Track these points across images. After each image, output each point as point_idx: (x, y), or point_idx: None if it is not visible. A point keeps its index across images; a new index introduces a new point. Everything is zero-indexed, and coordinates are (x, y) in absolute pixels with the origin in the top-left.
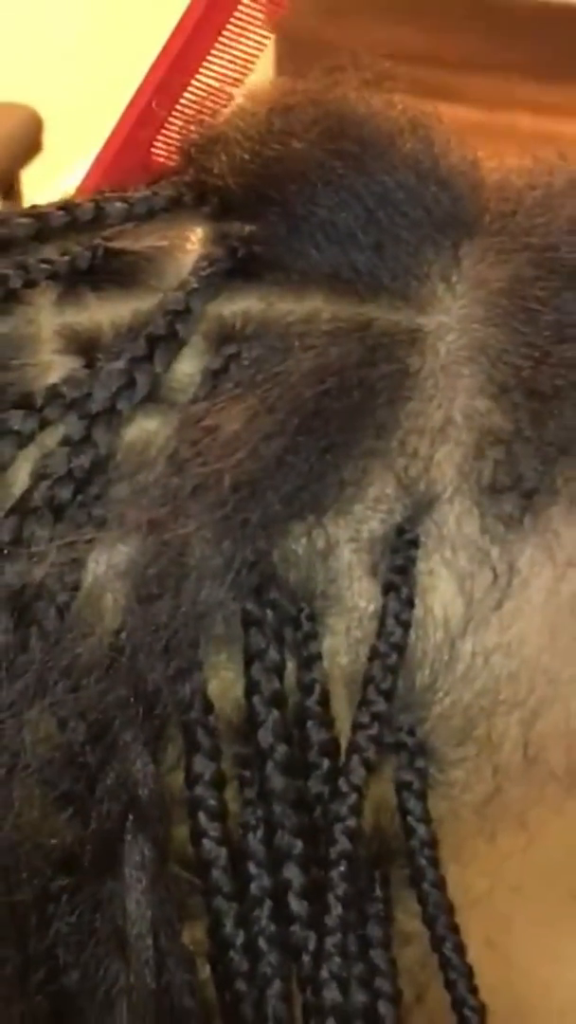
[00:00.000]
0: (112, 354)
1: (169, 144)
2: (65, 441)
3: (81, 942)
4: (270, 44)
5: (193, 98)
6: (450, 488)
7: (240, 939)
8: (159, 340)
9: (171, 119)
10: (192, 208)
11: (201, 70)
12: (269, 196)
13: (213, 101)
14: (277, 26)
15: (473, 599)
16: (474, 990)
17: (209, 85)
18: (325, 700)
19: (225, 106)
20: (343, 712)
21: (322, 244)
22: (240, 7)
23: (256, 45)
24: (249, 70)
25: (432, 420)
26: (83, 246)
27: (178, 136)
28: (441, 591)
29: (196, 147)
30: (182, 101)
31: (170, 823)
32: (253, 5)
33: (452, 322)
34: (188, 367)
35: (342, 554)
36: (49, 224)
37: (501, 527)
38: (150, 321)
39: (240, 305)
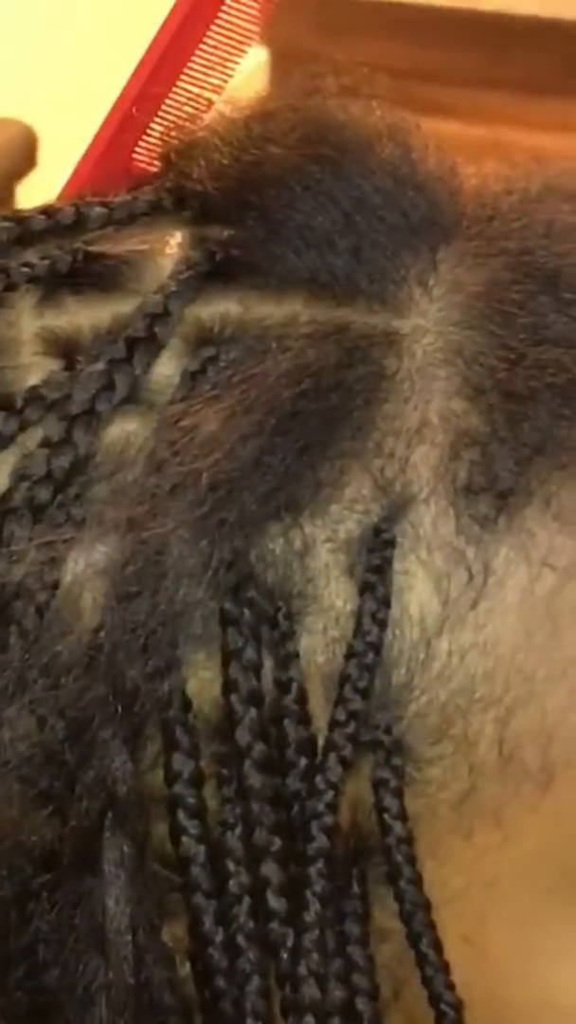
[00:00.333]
0: (91, 356)
1: (151, 149)
2: (45, 442)
3: (61, 939)
4: (264, 59)
5: (174, 104)
6: (426, 489)
7: (219, 936)
8: (138, 342)
9: (152, 125)
10: (172, 212)
11: (182, 76)
12: (248, 201)
13: (194, 107)
14: (270, 41)
15: (449, 599)
16: (451, 986)
17: (190, 91)
18: (302, 698)
19: (206, 112)
20: (320, 710)
21: (300, 248)
22: (221, 14)
23: (237, 51)
24: (230, 76)
25: (408, 421)
26: (63, 250)
27: (159, 142)
28: (417, 591)
29: (176, 152)
30: (163, 107)
31: (149, 821)
32: (235, 12)
33: (429, 325)
34: (167, 369)
35: (319, 554)
36: (30, 228)
37: (476, 527)
38: (129, 324)
39: (218, 308)
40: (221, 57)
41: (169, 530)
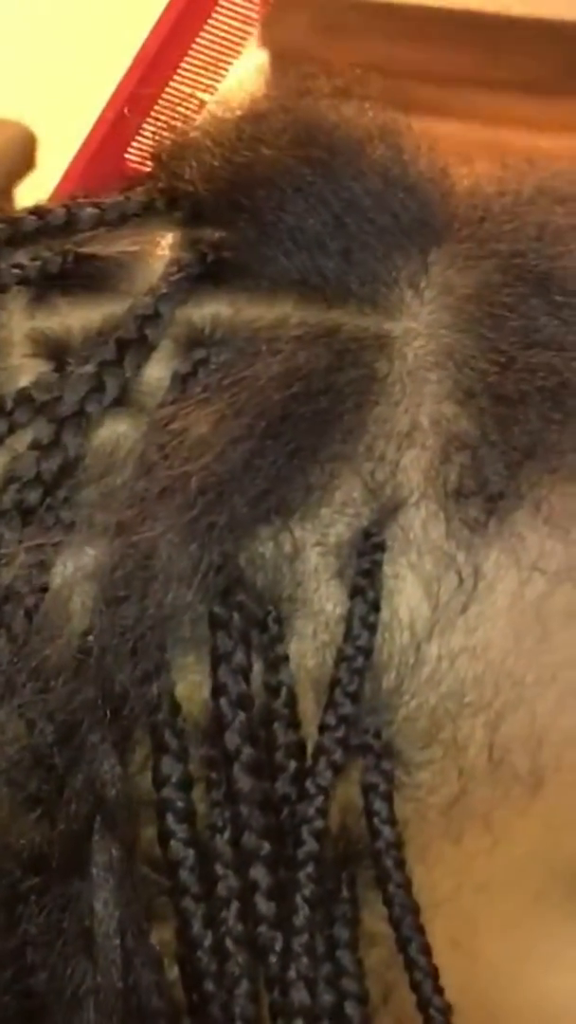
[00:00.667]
0: (82, 358)
1: (143, 150)
2: (34, 444)
3: (49, 942)
4: (263, 60)
5: (167, 105)
6: (416, 492)
7: (208, 940)
8: (128, 344)
9: (145, 125)
10: (164, 214)
11: (175, 77)
12: (239, 202)
13: (187, 108)
14: (270, 42)
15: (439, 603)
16: (440, 990)
17: (183, 92)
18: (292, 702)
19: (198, 113)
20: (310, 714)
21: (291, 250)
22: (215, 15)
23: (230, 52)
24: (223, 76)
25: (399, 425)
26: (54, 251)
27: (151, 142)
28: (407, 595)
29: (167, 153)
30: (156, 108)
31: (138, 824)
32: (227, 12)
33: (420, 328)
34: (157, 371)
35: (309, 557)
36: (21, 229)
37: (467, 531)
38: (120, 325)
39: (209, 310)
40: (214, 58)
41: (158, 534)
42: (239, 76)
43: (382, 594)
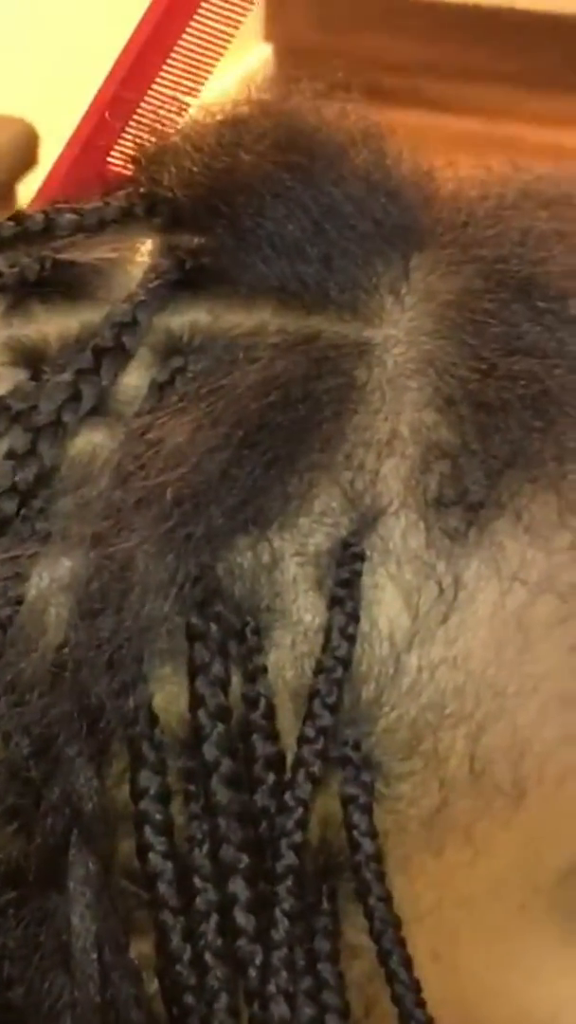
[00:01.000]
0: (58, 366)
1: (126, 153)
2: (10, 454)
3: (26, 956)
4: (268, 54)
5: (150, 107)
6: (396, 502)
7: (187, 953)
8: (106, 352)
9: (128, 128)
10: (143, 219)
11: (157, 79)
12: (217, 208)
13: (169, 110)
14: (275, 36)
15: (419, 613)
16: (422, 1004)
17: (165, 94)
18: (270, 714)
19: (181, 115)
20: (289, 726)
21: (270, 257)
22: (197, 15)
23: (214, 53)
24: (206, 78)
25: (378, 433)
26: (32, 257)
27: (133, 146)
28: (387, 605)
29: (147, 158)
30: (138, 110)
31: (115, 837)
32: (210, 13)
33: (400, 334)
34: (135, 379)
35: (287, 567)
36: None
37: (447, 541)
38: (97, 333)
39: (187, 317)
40: (197, 59)
41: (134, 545)
42: (245, 69)
43: (361, 604)
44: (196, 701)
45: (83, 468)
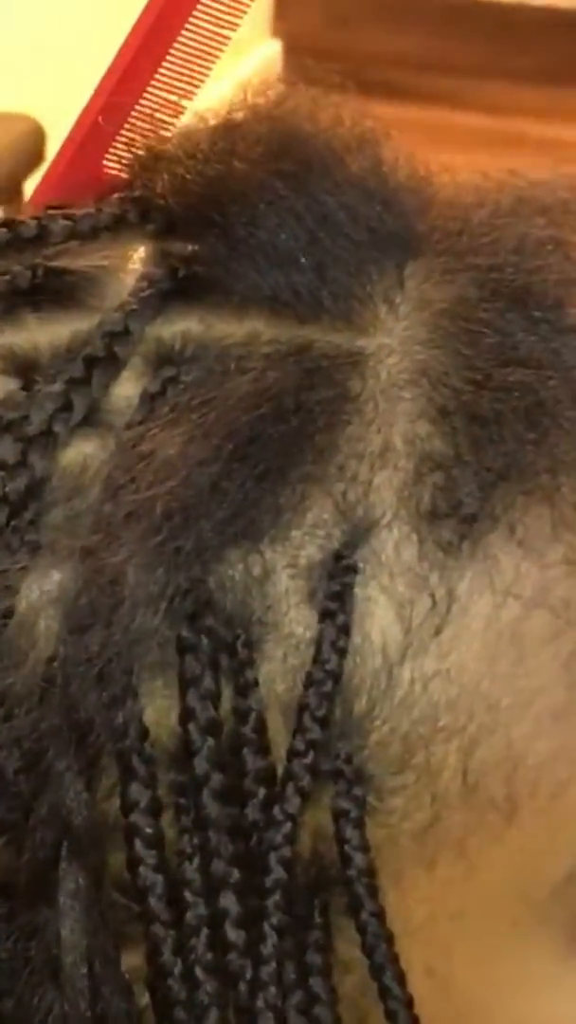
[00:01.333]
0: (50, 376)
1: (121, 158)
2: (0, 465)
3: (16, 970)
4: (277, 50)
5: (145, 111)
6: (389, 513)
7: (178, 967)
8: (97, 362)
9: (122, 132)
10: (136, 226)
11: (152, 82)
12: (210, 216)
13: (164, 114)
14: (283, 32)
15: (412, 626)
16: (414, 1019)
17: (161, 97)
18: (261, 727)
19: (176, 120)
20: (280, 739)
21: (262, 266)
22: (192, 18)
23: (209, 56)
24: (201, 82)
25: (372, 444)
26: (24, 265)
27: (128, 150)
28: (379, 617)
29: (141, 164)
30: (134, 114)
31: (105, 851)
32: (205, 16)
33: (394, 344)
34: (126, 389)
35: (279, 580)
36: None
37: (440, 553)
38: (89, 342)
39: (179, 326)
40: (193, 63)
41: (124, 558)
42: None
43: (353, 617)
44: (187, 714)
45: (74, 479)
